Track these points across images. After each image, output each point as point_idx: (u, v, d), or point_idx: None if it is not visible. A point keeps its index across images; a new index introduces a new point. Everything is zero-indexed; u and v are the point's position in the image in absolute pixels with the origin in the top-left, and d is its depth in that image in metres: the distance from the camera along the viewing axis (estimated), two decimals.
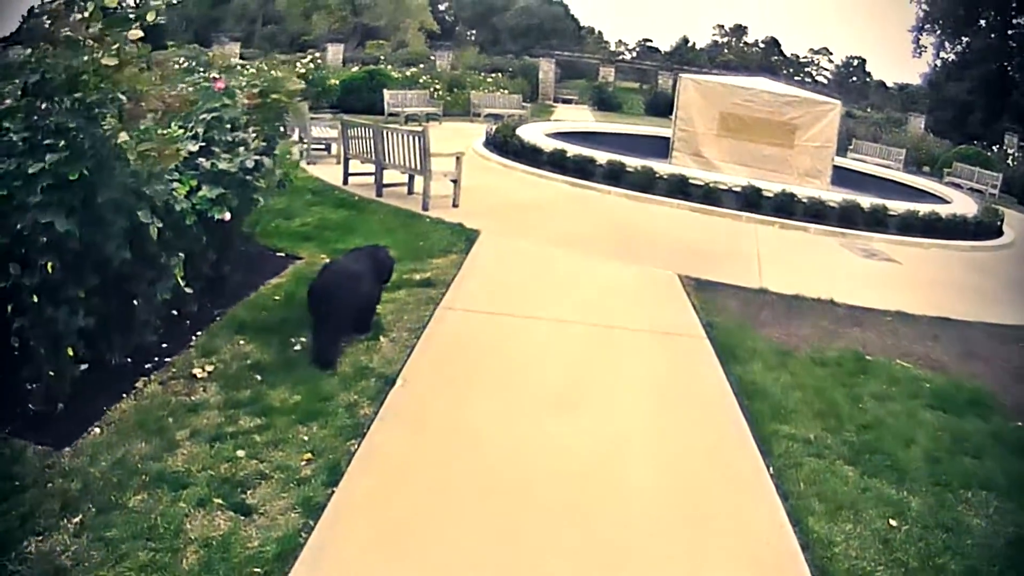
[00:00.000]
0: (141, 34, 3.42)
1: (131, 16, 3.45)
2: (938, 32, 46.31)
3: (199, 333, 5.33)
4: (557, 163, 14.00)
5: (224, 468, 3.81)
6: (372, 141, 10.71)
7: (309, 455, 3.98)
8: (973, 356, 6.89)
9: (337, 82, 24.24)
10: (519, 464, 4.19)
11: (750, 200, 12.60)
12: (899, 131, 31.75)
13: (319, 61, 25.94)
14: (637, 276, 8.10)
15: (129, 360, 4.74)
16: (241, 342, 5.25)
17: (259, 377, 4.78)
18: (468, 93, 26.31)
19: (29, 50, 3.59)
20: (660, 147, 16.94)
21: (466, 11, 70.59)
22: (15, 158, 3.59)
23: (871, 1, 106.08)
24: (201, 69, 6.52)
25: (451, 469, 4.06)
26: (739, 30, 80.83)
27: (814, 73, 78.21)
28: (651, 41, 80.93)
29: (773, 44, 77.89)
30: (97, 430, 4.03)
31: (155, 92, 3.73)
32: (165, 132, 4.30)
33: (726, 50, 77.01)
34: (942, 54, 47.18)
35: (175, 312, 5.26)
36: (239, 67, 6.94)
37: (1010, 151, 28.84)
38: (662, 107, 31.50)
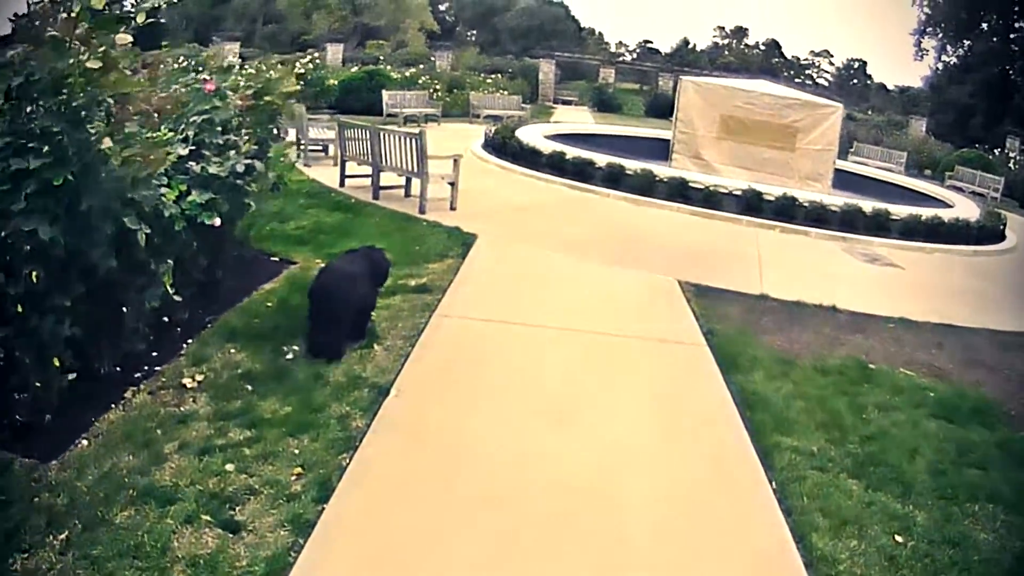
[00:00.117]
0: (130, 39, 3.32)
1: (119, 17, 3.35)
2: (940, 35, 46.34)
3: (190, 341, 5.24)
4: (556, 165, 13.91)
5: (213, 483, 3.71)
6: (368, 143, 10.62)
7: (299, 469, 3.88)
8: (977, 364, 6.80)
9: (336, 82, 24.16)
10: (515, 477, 4.09)
11: (751, 204, 12.51)
12: (900, 134, 31.68)
13: (318, 61, 25.84)
14: (636, 282, 8.00)
15: (118, 369, 4.64)
16: (232, 350, 5.15)
17: (250, 387, 4.68)
18: (468, 94, 26.22)
19: (13, 52, 3.49)
20: (660, 149, 16.86)
21: (466, 12, 70.60)
22: None
23: (872, 3, 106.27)
24: (201, 69, 6.42)
25: (445, 483, 3.96)
26: (740, 32, 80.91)
27: (815, 75, 78.27)
28: (651, 42, 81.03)
29: (774, 46, 77.93)
30: (85, 442, 3.93)
31: (142, 95, 3.62)
32: (154, 136, 4.20)
33: (727, 52, 77.05)
34: (944, 57, 47.26)
35: (166, 319, 5.17)
36: (234, 67, 6.78)
37: (1012, 155, 28.77)
38: (662, 109, 31.44)
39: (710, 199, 12.68)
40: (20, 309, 3.70)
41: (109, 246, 3.93)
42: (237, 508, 3.55)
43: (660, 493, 4.11)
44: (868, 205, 12.77)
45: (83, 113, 3.40)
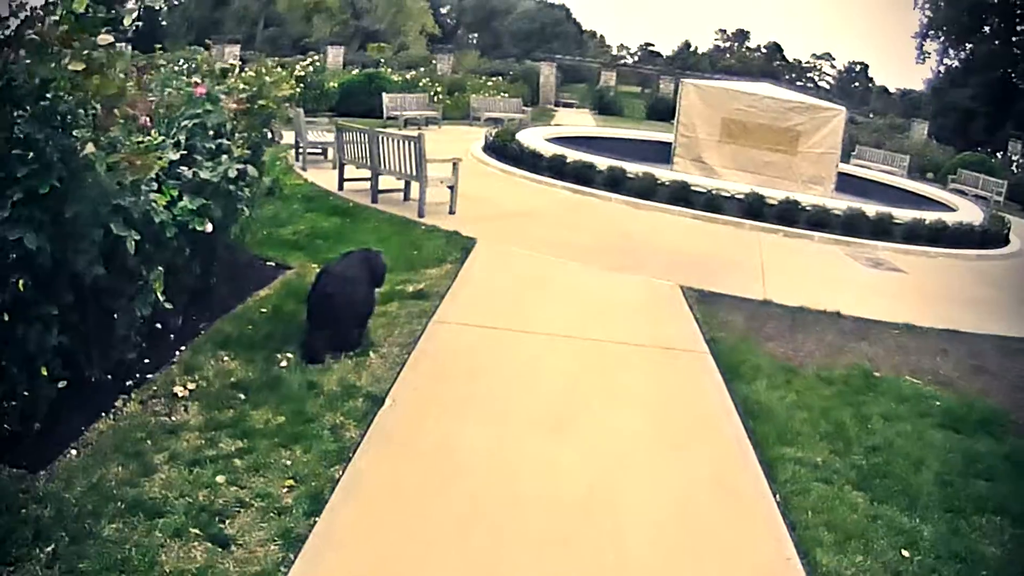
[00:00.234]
0: (111, 39, 3.24)
1: (105, 20, 3.26)
2: (942, 38, 46.28)
3: (183, 348, 5.15)
4: (557, 169, 13.82)
5: (202, 495, 3.62)
6: (367, 146, 10.53)
7: (291, 482, 3.79)
8: (983, 371, 6.70)
9: (336, 85, 24.08)
10: (512, 490, 4.00)
11: (753, 208, 12.41)
12: (902, 137, 31.61)
13: (318, 64, 25.76)
14: (638, 287, 7.92)
15: (109, 377, 4.55)
16: (225, 358, 5.06)
17: (242, 396, 4.59)
18: (468, 97, 26.14)
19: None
20: (662, 152, 16.76)
21: (468, 15, 70.69)
22: None
23: (874, 6, 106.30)
24: (194, 71, 6.34)
25: (439, 496, 3.86)
26: (741, 35, 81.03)
27: (816, 78, 78.31)
28: (653, 45, 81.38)
29: (775, 49, 77.99)
30: (74, 452, 3.85)
31: (130, 99, 3.54)
32: (144, 141, 4.11)
33: (728, 55, 77.10)
34: (946, 60, 47.20)
35: (158, 326, 5.09)
36: (233, 69, 6.69)
37: (1014, 158, 28.69)
38: (663, 112, 31.29)
39: (712, 203, 12.58)
40: (6, 318, 3.62)
41: (97, 253, 3.84)
42: (227, 522, 3.47)
43: (660, 506, 4.02)
44: (871, 209, 12.67)
45: (68, 118, 3.31)
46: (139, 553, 3.18)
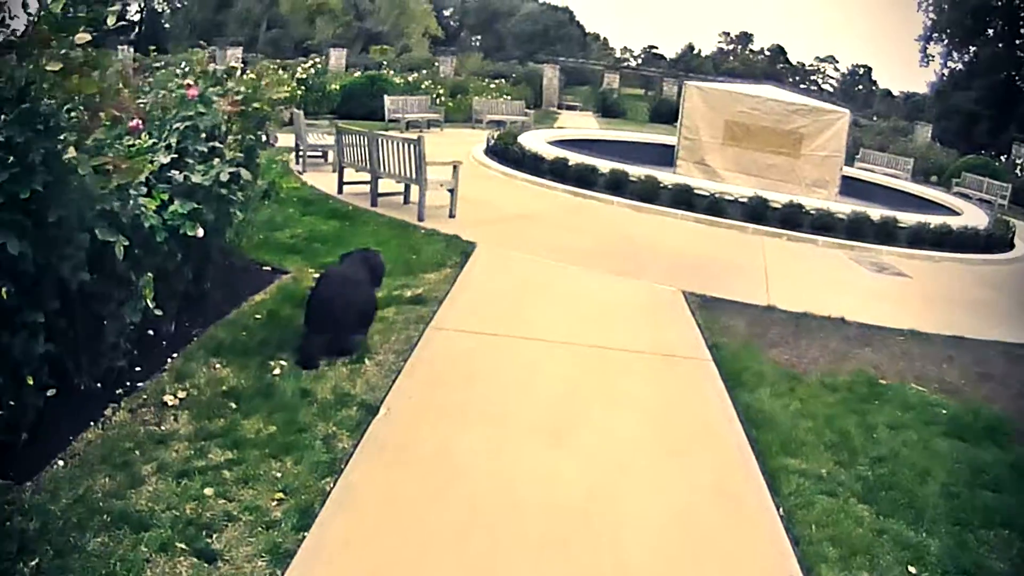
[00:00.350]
0: (88, 37, 3.15)
1: (88, 20, 3.17)
2: (946, 41, 46.18)
3: (175, 355, 5.05)
4: (559, 172, 13.75)
5: (190, 508, 3.53)
6: (366, 149, 10.45)
7: (281, 494, 3.70)
8: (989, 378, 6.59)
9: (338, 87, 24.02)
10: (509, 501, 3.91)
11: (756, 211, 12.31)
12: (905, 140, 31.48)
13: (320, 66, 25.71)
14: (639, 292, 7.82)
15: (99, 385, 4.46)
16: (217, 366, 4.97)
17: (234, 405, 4.49)
18: (471, 99, 26.08)
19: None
20: (665, 155, 16.67)
21: (470, 17, 70.66)
22: None
23: (877, 9, 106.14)
24: (188, 73, 6.25)
25: (433, 509, 3.76)
26: (745, 37, 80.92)
27: (820, 81, 78.20)
28: (656, 48, 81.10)
29: (779, 52, 77.85)
30: (60, 463, 3.76)
31: (112, 100, 3.45)
32: (135, 144, 4.02)
33: (731, 57, 77.00)
34: (949, 63, 47.08)
35: (150, 332, 5.00)
36: (235, 71, 6.59)
37: (1018, 161, 28.53)
38: (667, 114, 31.20)
39: (715, 206, 12.49)
40: None
41: (83, 259, 3.76)
42: (214, 536, 3.38)
43: (660, 518, 3.92)
44: (876, 213, 12.57)
45: (51, 121, 3.22)
46: (124, 568, 3.10)
